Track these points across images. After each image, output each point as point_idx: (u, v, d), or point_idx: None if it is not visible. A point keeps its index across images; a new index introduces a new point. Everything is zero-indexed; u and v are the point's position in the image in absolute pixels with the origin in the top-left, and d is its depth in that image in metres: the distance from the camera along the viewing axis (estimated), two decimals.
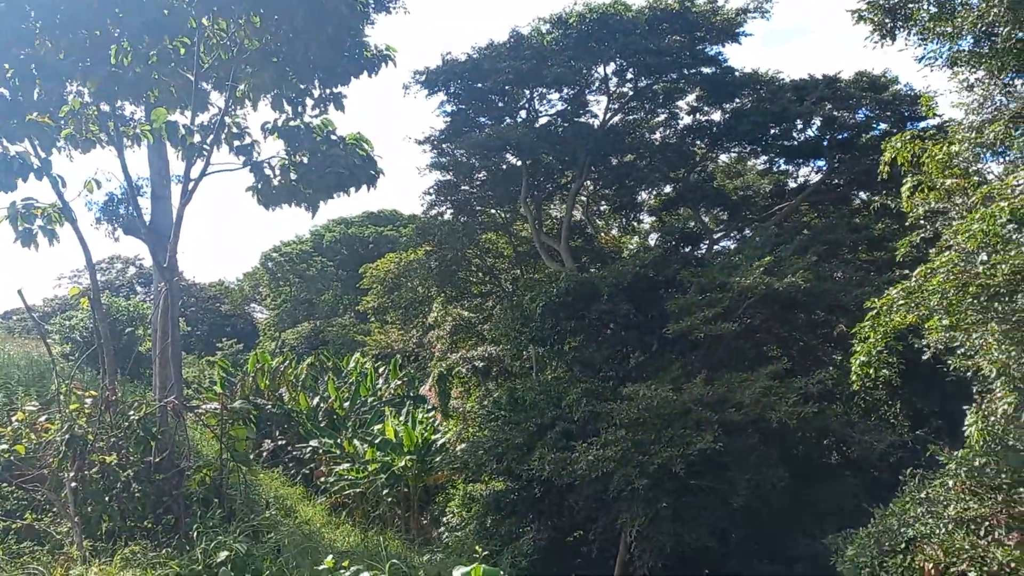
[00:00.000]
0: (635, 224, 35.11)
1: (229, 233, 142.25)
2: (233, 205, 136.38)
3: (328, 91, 15.36)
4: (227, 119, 14.48)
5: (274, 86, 14.75)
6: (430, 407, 34.30)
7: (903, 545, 12.01)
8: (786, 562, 19.15)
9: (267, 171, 14.94)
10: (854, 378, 11.81)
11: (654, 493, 18.97)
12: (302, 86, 15.26)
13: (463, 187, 30.85)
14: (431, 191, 31.12)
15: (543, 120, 29.53)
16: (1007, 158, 13.24)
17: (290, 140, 14.56)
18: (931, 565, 11.19)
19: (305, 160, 14.57)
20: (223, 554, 11.17)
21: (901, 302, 11.32)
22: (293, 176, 14.80)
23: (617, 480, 17.63)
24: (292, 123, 14.67)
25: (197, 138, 14.01)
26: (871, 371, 11.49)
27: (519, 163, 29.15)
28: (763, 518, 19.50)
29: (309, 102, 15.34)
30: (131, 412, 13.21)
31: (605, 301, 21.42)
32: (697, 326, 18.99)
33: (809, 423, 18.73)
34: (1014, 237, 10.63)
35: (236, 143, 14.38)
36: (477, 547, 23.77)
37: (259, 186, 14.92)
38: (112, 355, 14.05)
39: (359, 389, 33.79)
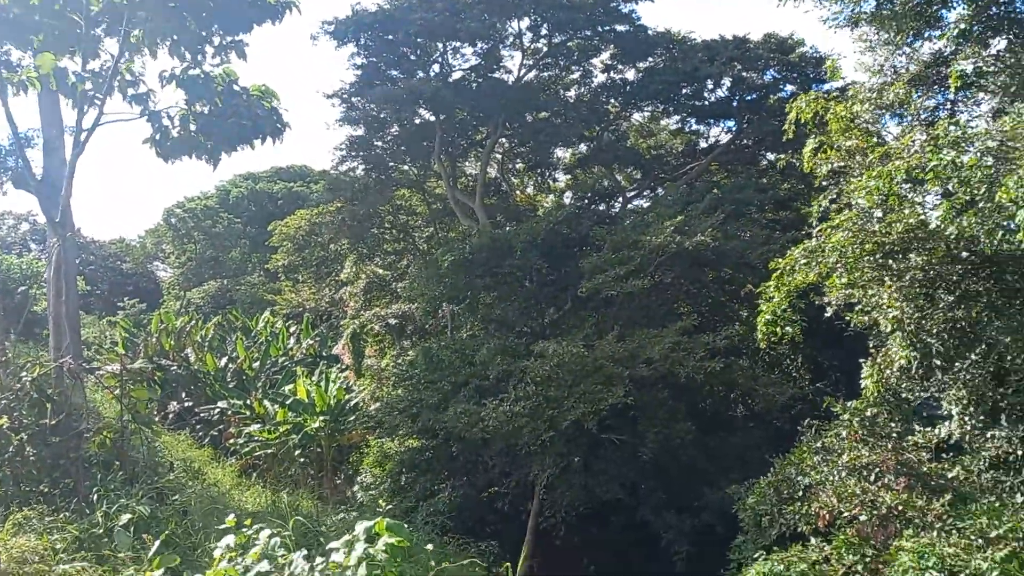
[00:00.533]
0: (550, 182, 35.17)
1: (129, 188, 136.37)
2: (132, 158, 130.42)
3: (229, 39, 14.67)
4: (121, 66, 13.70)
5: (171, 32, 14.00)
6: (344, 366, 33.90)
7: (800, 493, 12.52)
8: (692, 512, 19.77)
9: (165, 121, 14.30)
10: (760, 336, 12.14)
11: (565, 447, 19.27)
12: (202, 33, 14.53)
13: (375, 142, 30.21)
14: (342, 146, 30.38)
15: (457, 75, 29.10)
16: (905, 120, 13.69)
17: (189, 90, 13.92)
18: (825, 511, 11.70)
19: (206, 111, 13.97)
20: (125, 517, 10.84)
21: (803, 261, 11.65)
22: (193, 127, 14.21)
23: (528, 435, 17.82)
24: (192, 72, 14.01)
25: (89, 86, 13.24)
26: (776, 329, 11.82)
27: (432, 118, 28.68)
28: (671, 470, 20.07)
29: (209, 50, 14.63)
30: (23, 373, 12.64)
31: (518, 258, 21.43)
32: (609, 284, 19.20)
33: (716, 377, 19.26)
34: (909, 196, 11.02)
35: (131, 91, 13.68)
36: (381, 501, 23.86)
37: (157, 137, 14.28)
38: (1, 315, 13.30)
39: (269, 349, 33.09)
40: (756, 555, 12.61)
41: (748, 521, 13.49)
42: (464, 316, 27.95)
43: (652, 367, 17.98)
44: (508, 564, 19.53)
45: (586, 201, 26.49)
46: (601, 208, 26.81)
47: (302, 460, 33.28)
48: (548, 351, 18.04)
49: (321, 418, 32.78)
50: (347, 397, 34.20)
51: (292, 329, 36.28)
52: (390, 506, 23.51)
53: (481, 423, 18.11)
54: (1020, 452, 11.42)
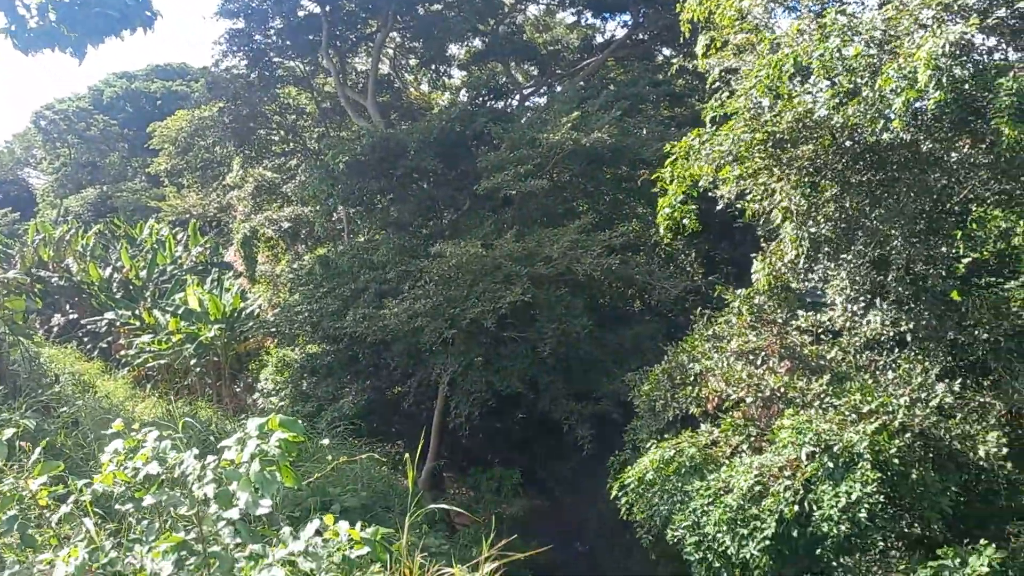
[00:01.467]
0: (445, 79, 34.25)
1: None
2: None
3: None
4: None
5: None
6: (236, 273, 32.95)
7: (692, 378, 13.04)
8: (592, 402, 20.42)
9: (21, 10, 12.98)
10: (662, 229, 12.32)
11: (466, 345, 19.43)
12: None
13: (256, 36, 28.43)
14: (221, 40, 28.48)
15: None
16: (797, 12, 13.75)
17: None
18: (714, 395, 12.24)
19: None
20: (8, 431, 10.34)
21: (697, 146, 11.75)
22: (53, 16, 12.96)
23: (429, 333, 17.84)
24: None
25: None
26: (674, 222, 12.01)
27: (318, 9, 27.18)
28: (570, 363, 20.57)
29: None
30: None
31: (412, 157, 20.93)
32: (507, 183, 19.05)
33: (613, 273, 19.61)
34: (798, 87, 11.18)
35: None
36: (273, 399, 23.59)
37: (13, 28, 12.98)
38: None
39: (156, 257, 31.75)
40: (649, 439, 13.19)
41: (643, 407, 14.01)
42: (361, 219, 27.36)
43: (551, 265, 18.12)
44: (407, 455, 19.62)
45: (482, 99, 25.91)
46: (498, 105, 26.30)
47: (198, 370, 32.58)
48: (446, 251, 17.91)
49: (216, 327, 31.96)
50: (243, 305, 33.41)
51: (179, 236, 34.85)
52: (294, 410, 23.43)
53: (382, 324, 17.99)
54: (892, 332, 12.15)
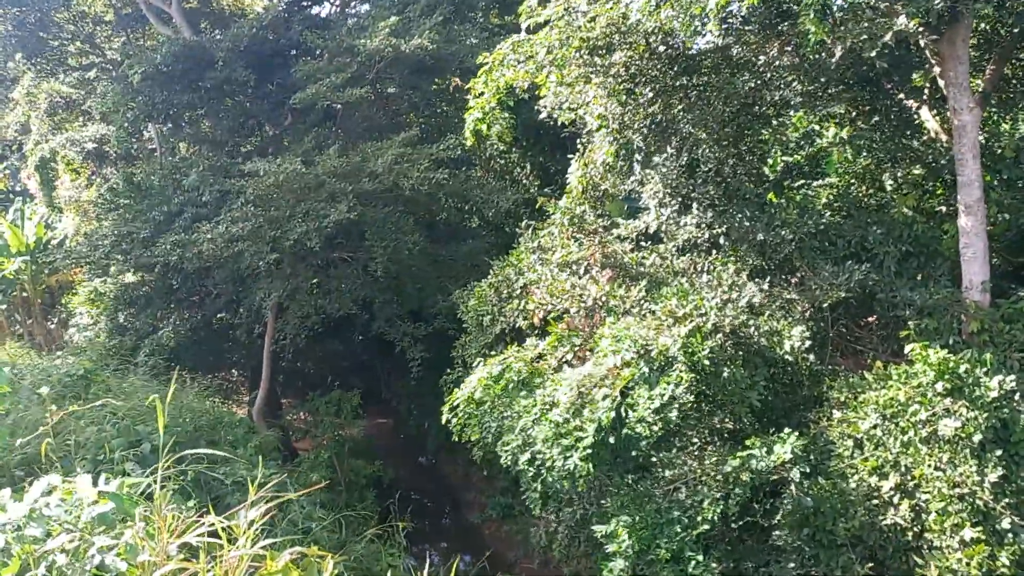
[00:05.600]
0: None
1: None
2: None
3: None
4: None
5: None
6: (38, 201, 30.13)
7: (518, 291, 12.98)
8: (427, 320, 20.21)
9: None
10: (468, 134, 11.92)
11: (294, 268, 18.59)
12: None
13: None
14: None
15: None
16: None
17: None
18: (540, 307, 12.22)
19: None
20: None
21: (512, 56, 11.36)
22: None
23: (250, 257, 16.86)
24: None
25: None
26: (485, 127, 11.62)
27: None
28: (403, 283, 20.18)
29: None
30: None
31: (221, 68, 19.34)
32: (325, 93, 17.96)
33: (443, 188, 19.11)
34: None
35: None
36: (88, 333, 22.03)
37: None
38: None
39: None
40: (478, 354, 13.10)
41: (471, 322, 13.89)
42: (174, 137, 25.34)
43: (377, 181, 17.40)
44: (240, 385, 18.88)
45: (299, 6, 24.18)
46: (314, 11, 24.66)
47: (4, 306, 29.90)
48: (262, 169, 16.79)
49: (20, 260, 29.31)
50: (49, 235, 30.70)
51: None
52: (110, 344, 21.87)
53: (197, 250, 16.80)
54: (707, 236, 12.46)
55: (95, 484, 4.22)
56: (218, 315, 22.53)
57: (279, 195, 17.07)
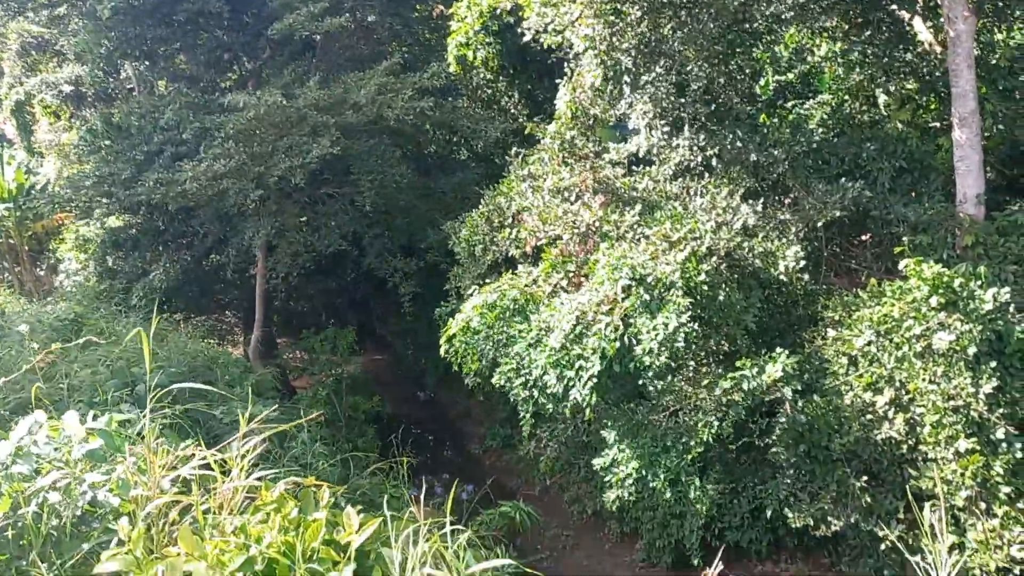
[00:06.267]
0: None
1: None
2: None
3: None
4: None
5: None
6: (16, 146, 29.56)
7: (510, 219, 12.83)
8: (418, 254, 20.05)
9: None
10: (451, 60, 11.61)
11: (280, 205, 18.34)
12: None
13: None
14: None
15: None
16: None
17: None
18: (532, 234, 12.09)
19: None
20: None
21: None
22: None
23: (235, 195, 16.57)
24: None
25: None
26: (469, 53, 11.31)
27: None
28: (393, 216, 19.96)
29: None
30: None
31: (194, 0, 18.71)
32: (303, 23, 17.39)
33: (429, 118, 18.72)
34: None
35: None
36: (79, 278, 21.85)
37: None
38: None
39: None
40: (472, 285, 13.01)
41: (463, 253, 13.77)
42: (151, 75, 24.70)
43: (360, 112, 17.00)
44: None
45: None
46: None
47: None
48: (241, 102, 16.38)
49: (3, 206, 28.90)
50: (32, 180, 30.19)
51: None
52: (100, 289, 21.72)
53: (181, 189, 16.49)
54: (700, 159, 12.26)
55: (83, 422, 4.15)
56: (208, 256, 22.33)
57: (261, 130, 16.70)
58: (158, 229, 21.50)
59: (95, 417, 4.10)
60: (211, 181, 16.28)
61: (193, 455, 3.96)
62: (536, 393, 10.52)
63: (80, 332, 13.70)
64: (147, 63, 22.29)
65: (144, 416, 4.08)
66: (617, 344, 9.60)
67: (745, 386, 9.86)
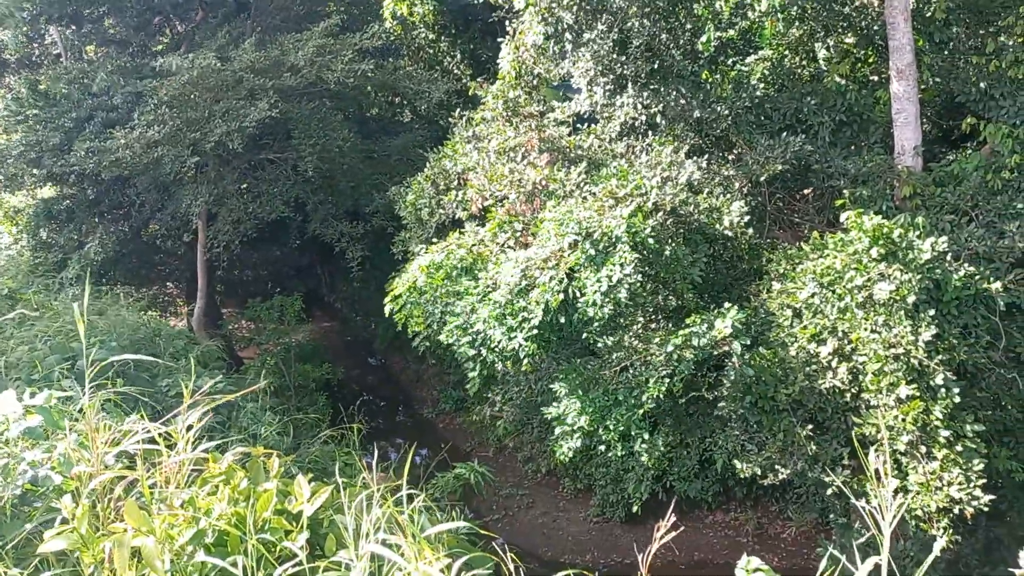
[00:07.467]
0: None
1: None
2: None
3: None
4: None
5: None
6: None
7: (455, 181, 12.69)
8: (364, 218, 19.78)
9: None
10: (387, 15, 11.35)
11: (219, 172, 17.88)
12: None
13: None
14: None
15: None
16: None
17: None
18: (479, 194, 11.99)
19: None
20: None
21: None
22: None
23: (171, 163, 16.09)
24: None
25: None
26: (405, 8, 11.06)
27: None
28: (336, 181, 19.61)
29: None
30: None
31: None
32: None
33: (372, 80, 18.37)
34: None
35: None
36: (11, 252, 21.02)
37: None
38: None
39: None
40: (418, 248, 12.88)
41: (410, 217, 13.61)
42: (79, 40, 23.74)
43: (299, 75, 16.61)
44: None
45: None
46: None
47: None
48: (174, 65, 15.84)
49: None
50: None
51: None
52: (35, 262, 21.01)
53: (114, 157, 15.94)
54: (644, 117, 12.25)
55: (20, 400, 4.00)
56: (146, 226, 21.73)
57: (195, 94, 16.20)
58: (93, 199, 20.82)
59: (32, 395, 3.95)
60: (145, 148, 15.79)
61: (134, 430, 3.84)
62: (484, 351, 10.46)
63: (14, 307, 13.25)
64: (73, 27, 21.41)
65: (84, 392, 3.94)
66: (561, 296, 9.58)
67: (695, 342, 9.95)
